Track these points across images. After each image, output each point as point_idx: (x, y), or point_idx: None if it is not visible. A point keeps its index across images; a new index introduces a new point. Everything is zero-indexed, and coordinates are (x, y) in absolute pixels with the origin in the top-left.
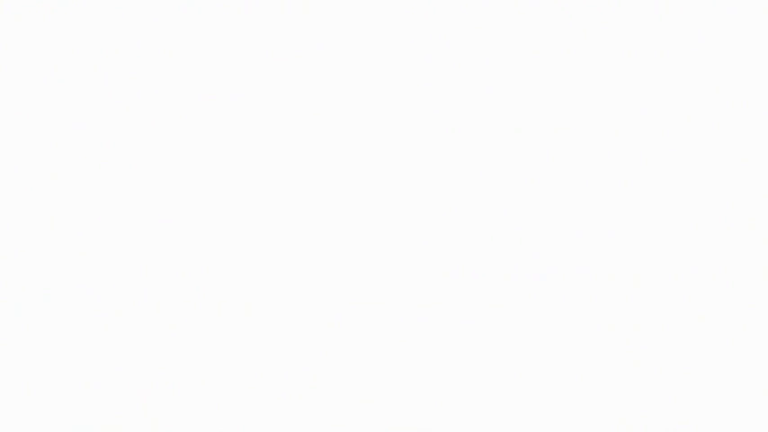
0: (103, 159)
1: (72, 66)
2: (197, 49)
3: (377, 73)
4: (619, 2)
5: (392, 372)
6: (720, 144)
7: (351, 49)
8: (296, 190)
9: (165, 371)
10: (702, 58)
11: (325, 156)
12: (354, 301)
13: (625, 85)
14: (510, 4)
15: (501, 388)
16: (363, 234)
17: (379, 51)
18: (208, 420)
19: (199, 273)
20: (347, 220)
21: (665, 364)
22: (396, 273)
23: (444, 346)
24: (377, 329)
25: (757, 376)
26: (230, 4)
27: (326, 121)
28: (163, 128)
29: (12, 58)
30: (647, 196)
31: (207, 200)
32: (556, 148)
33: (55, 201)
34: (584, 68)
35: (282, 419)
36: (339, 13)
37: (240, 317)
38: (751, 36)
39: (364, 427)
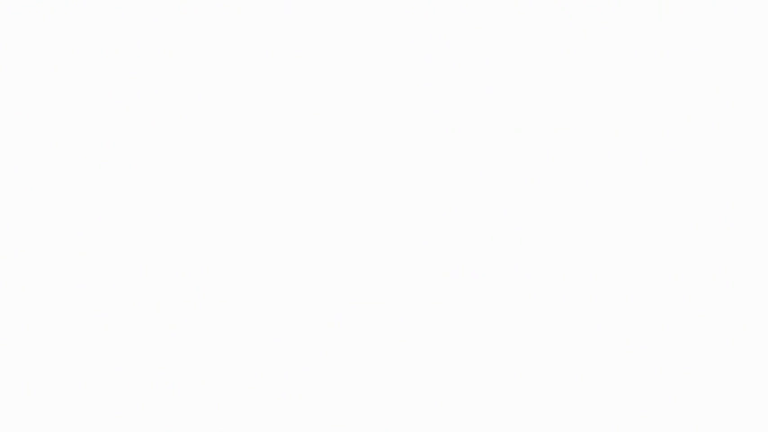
0: (103, 159)
1: (72, 66)
2: (197, 49)
3: (376, 73)
4: (619, 2)
5: (392, 372)
6: (721, 144)
7: (350, 48)
8: (295, 190)
9: (164, 371)
10: (702, 58)
11: (325, 156)
12: (354, 301)
13: (625, 85)
14: (510, 4)
15: (501, 388)
16: (363, 234)
17: (378, 51)
18: (208, 420)
19: (199, 273)
20: (347, 220)
21: (664, 365)
22: (396, 273)
23: (444, 346)
24: (377, 329)
25: (757, 376)
26: (230, 3)
27: (326, 121)
28: (162, 128)
29: (12, 58)
30: (647, 196)
31: (206, 199)
32: (556, 148)
33: (55, 200)
34: (585, 68)
35: (282, 419)
36: (339, 13)
37: (240, 317)
38: (751, 36)
39: (364, 428)
